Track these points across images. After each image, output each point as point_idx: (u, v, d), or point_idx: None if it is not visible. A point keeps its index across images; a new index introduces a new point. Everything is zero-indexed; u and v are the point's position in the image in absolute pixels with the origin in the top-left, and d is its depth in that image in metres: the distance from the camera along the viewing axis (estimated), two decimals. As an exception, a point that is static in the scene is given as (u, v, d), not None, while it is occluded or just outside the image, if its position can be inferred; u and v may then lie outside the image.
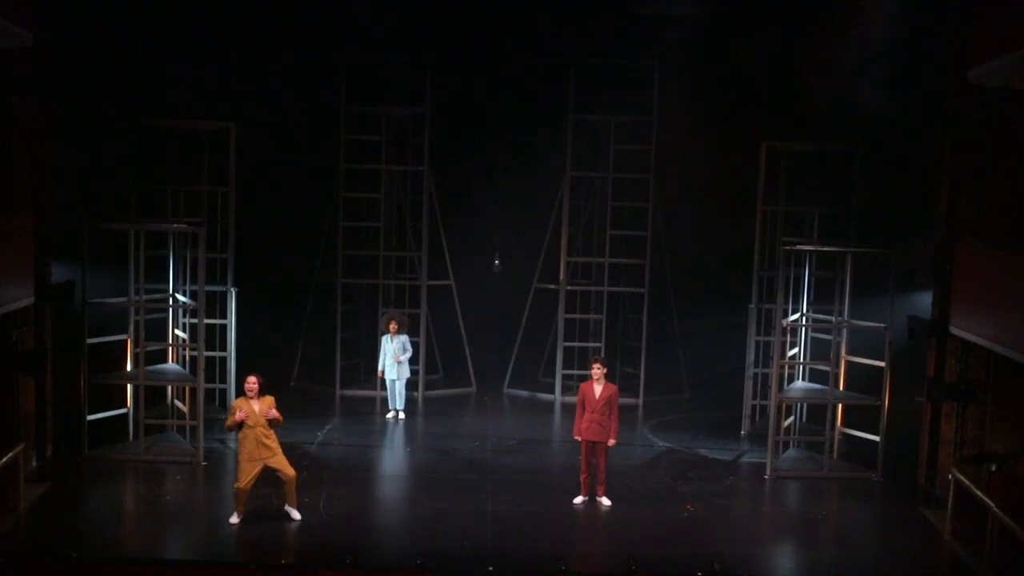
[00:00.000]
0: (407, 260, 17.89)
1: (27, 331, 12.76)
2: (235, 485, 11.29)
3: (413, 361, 16.40)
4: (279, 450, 11.28)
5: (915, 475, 13.66)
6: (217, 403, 15.68)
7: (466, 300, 17.86)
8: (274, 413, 11.19)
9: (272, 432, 11.22)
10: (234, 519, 11.27)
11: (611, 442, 12.11)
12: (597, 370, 12.10)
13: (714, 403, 17.09)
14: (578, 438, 12.27)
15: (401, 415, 16.00)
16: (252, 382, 11.21)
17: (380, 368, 16.07)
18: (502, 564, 10.28)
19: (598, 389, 12.09)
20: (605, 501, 12.26)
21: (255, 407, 11.14)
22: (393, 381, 15.96)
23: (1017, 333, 10.93)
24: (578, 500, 12.31)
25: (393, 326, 15.86)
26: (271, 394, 11.33)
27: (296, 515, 11.37)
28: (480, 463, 13.81)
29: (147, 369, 13.92)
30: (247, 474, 11.13)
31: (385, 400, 16.26)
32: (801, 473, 13.69)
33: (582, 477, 12.29)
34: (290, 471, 11.29)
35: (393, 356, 15.81)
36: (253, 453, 11.13)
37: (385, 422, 15.90)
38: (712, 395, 17.31)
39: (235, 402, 11.36)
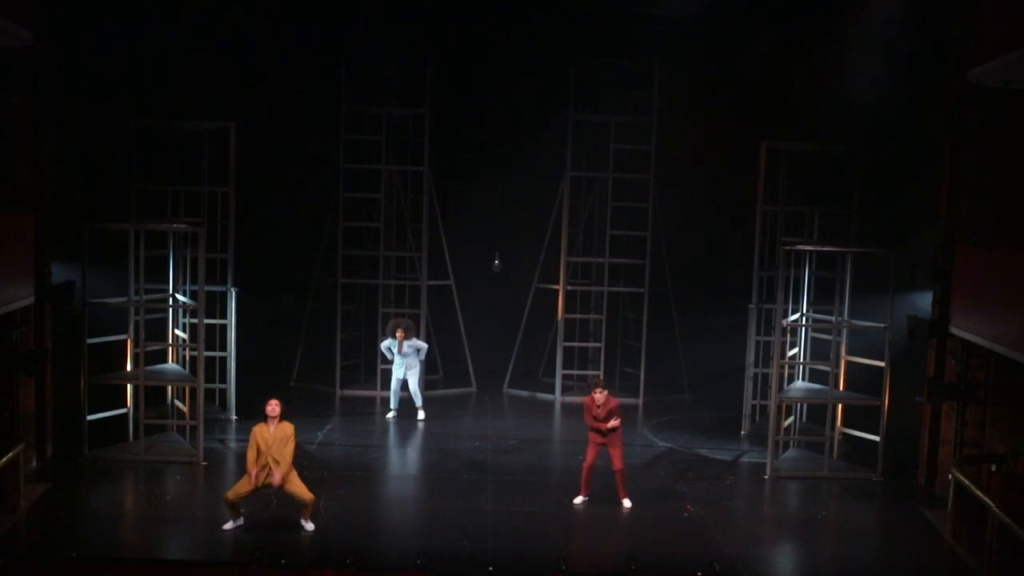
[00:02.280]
0: (407, 260, 17.90)
1: (27, 331, 12.76)
2: (225, 494, 11.10)
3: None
4: (294, 475, 10.97)
5: (915, 475, 13.66)
6: (217, 403, 15.68)
7: (466, 300, 17.87)
8: (291, 479, 10.97)
9: (284, 458, 10.90)
10: (227, 525, 11.11)
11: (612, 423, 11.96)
12: (599, 396, 11.93)
13: (714, 403, 17.09)
14: (602, 428, 12.00)
15: (421, 414, 15.93)
16: (275, 405, 11.00)
17: (389, 358, 15.97)
18: (502, 564, 10.27)
19: (600, 409, 11.97)
20: (626, 503, 12.16)
21: (270, 431, 10.97)
22: (400, 380, 15.90)
23: (1017, 333, 10.92)
24: (578, 500, 12.26)
25: (400, 334, 15.76)
26: (276, 398, 11.18)
27: (310, 526, 11.15)
28: (480, 463, 13.81)
29: (147, 369, 13.92)
30: (238, 491, 10.95)
31: (387, 400, 16.26)
32: (801, 473, 13.69)
33: (584, 477, 12.19)
34: (306, 495, 10.98)
35: (403, 358, 15.77)
36: (263, 478, 10.90)
37: (385, 422, 15.89)
38: (712, 395, 17.31)
39: (254, 429, 11.00)
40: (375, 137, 17.11)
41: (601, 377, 13.15)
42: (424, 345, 16.11)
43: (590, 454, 12.15)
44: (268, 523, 11.33)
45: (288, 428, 11.03)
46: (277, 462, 10.88)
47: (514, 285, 18.23)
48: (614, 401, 12.09)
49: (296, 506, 11.16)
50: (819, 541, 11.71)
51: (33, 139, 12.80)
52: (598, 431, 12.00)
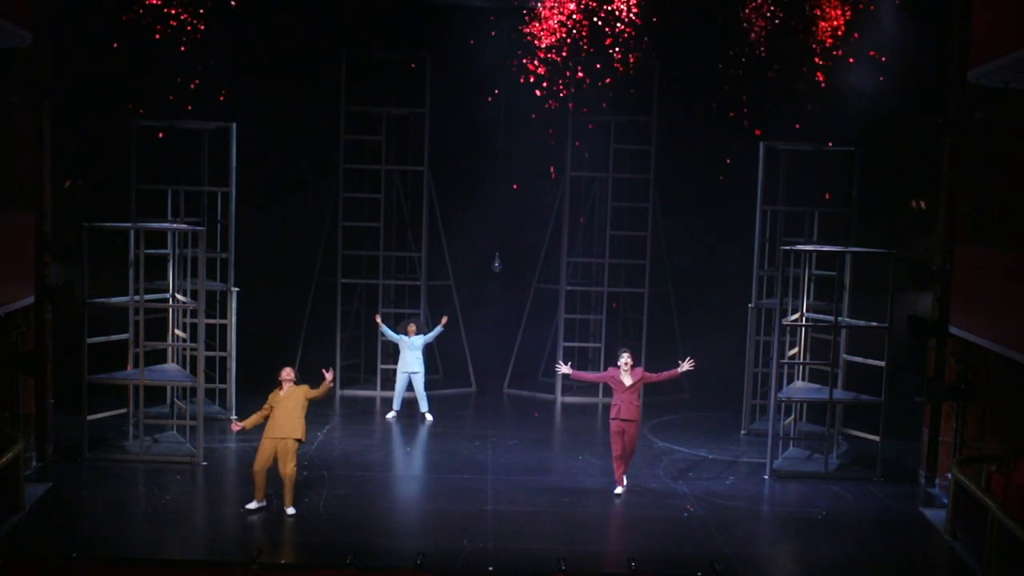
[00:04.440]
0: (407, 260, 17.91)
1: (27, 331, 12.76)
2: (252, 468, 11.59)
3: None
4: (290, 440, 11.39)
5: (915, 475, 13.66)
6: (217, 403, 15.68)
7: (466, 300, 17.87)
8: (289, 447, 11.44)
9: (298, 422, 11.43)
10: (252, 505, 11.51)
11: (685, 365, 12.46)
12: (626, 362, 12.45)
13: (714, 403, 17.08)
14: (566, 370, 12.72)
15: (429, 417, 15.95)
16: (289, 371, 11.73)
17: (393, 338, 16.01)
18: (502, 564, 10.28)
19: (627, 379, 12.42)
20: (619, 489, 12.54)
21: (280, 393, 11.58)
22: (407, 375, 15.89)
23: (1017, 333, 10.92)
24: (618, 490, 12.52)
25: (412, 328, 15.93)
26: (272, 392, 11.67)
27: (290, 511, 11.43)
28: (480, 463, 13.81)
29: (147, 369, 13.92)
30: (260, 454, 11.46)
31: (388, 401, 16.25)
32: (801, 473, 13.69)
33: (616, 465, 12.53)
34: (288, 466, 11.36)
35: (410, 349, 15.84)
36: (269, 430, 11.44)
37: (386, 422, 15.89)
38: (712, 395, 17.31)
39: (271, 396, 11.64)
40: (375, 137, 17.13)
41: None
42: (429, 337, 16.15)
43: (615, 444, 12.48)
44: (268, 522, 11.33)
45: (300, 391, 11.62)
46: (290, 416, 11.40)
47: (514, 285, 18.22)
48: (640, 371, 12.62)
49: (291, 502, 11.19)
50: (819, 541, 11.70)
51: (33, 139, 12.79)
52: (619, 417, 12.43)
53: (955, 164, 13.06)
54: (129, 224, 14.18)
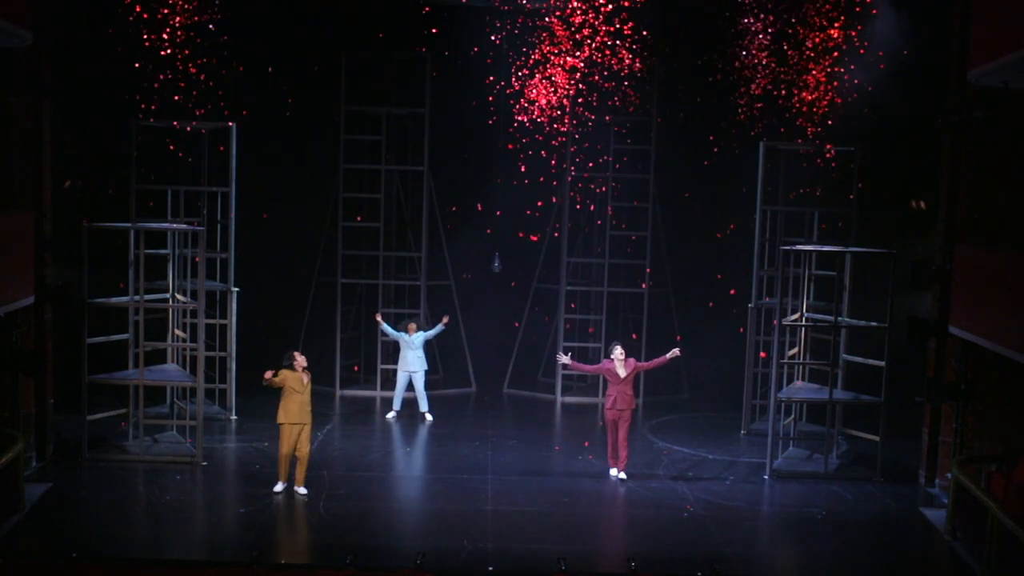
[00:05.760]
0: (407, 260, 17.90)
1: (27, 331, 12.76)
2: (279, 452, 12.13)
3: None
4: (309, 426, 12.16)
5: (915, 475, 13.66)
6: (217, 403, 15.68)
7: (466, 300, 17.86)
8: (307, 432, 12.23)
9: (311, 407, 12.21)
10: (278, 487, 12.08)
11: (674, 352, 13.10)
12: (619, 354, 13.03)
13: (714, 403, 17.08)
14: (566, 360, 13.46)
15: (429, 417, 15.95)
16: (302, 357, 12.24)
17: (393, 335, 16.03)
18: (502, 564, 10.28)
19: (622, 371, 12.96)
20: (622, 476, 13.07)
21: (304, 379, 12.12)
22: (408, 374, 15.89)
23: (1017, 333, 10.92)
24: (614, 472, 13.16)
25: (412, 327, 15.96)
26: (291, 373, 12.18)
27: (303, 491, 12.05)
28: (480, 463, 13.81)
29: (147, 369, 13.91)
30: (287, 440, 12.04)
31: (389, 401, 16.25)
32: (801, 473, 13.69)
33: (611, 451, 13.21)
34: (305, 448, 12.11)
35: (411, 348, 15.86)
36: (294, 416, 12.02)
37: (386, 423, 15.89)
38: (712, 395, 17.31)
39: (282, 372, 12.09)
40: (375, 137, 17.13)
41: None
42: (430, 334, 16.15)
43: (611, 432, 13.14)
44: (268, 522, 11.34)
45: (309, 378, 12.32)
46: (310, 404, 12.16)
47: (514, 285, 18.22)
48: (632, 361, 13.16)
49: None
50: (819, 541, 11.70)
51: (33, 139, 12.79)
52: (614, 408, 13.02)
53: (955, 164, 13.06)
54: (129, 224, 14.17)
